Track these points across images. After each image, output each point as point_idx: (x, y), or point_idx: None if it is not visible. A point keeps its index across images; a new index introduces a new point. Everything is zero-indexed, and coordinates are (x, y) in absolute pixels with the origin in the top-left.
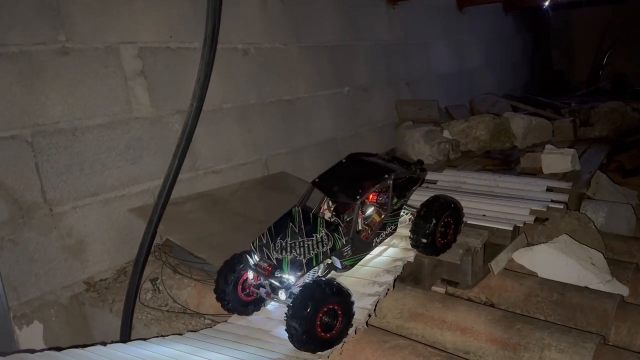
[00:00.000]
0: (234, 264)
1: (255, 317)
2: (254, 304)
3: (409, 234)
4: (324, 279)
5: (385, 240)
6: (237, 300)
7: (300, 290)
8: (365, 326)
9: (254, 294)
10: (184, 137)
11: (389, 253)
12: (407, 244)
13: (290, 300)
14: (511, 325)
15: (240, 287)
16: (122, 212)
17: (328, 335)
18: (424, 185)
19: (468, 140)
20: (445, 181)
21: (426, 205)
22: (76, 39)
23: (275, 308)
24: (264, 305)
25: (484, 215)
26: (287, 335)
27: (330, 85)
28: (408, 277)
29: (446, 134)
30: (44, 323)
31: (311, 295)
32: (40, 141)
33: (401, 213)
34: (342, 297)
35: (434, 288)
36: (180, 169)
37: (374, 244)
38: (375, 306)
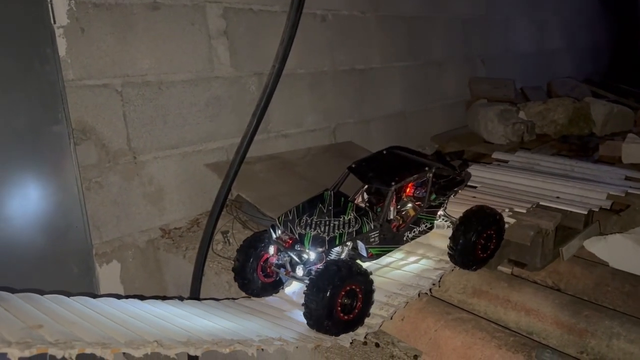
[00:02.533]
0: (255, 242)
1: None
2: (272, 286)
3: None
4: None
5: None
6: (256, 281)
7: (320, 269)
8: (429, 294)
9: (274, 274)
10: (264, 97)
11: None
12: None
13: (308, 278)
14: (579, 311)
15: (260, 267)
16: (198, 167)
17: (347, 317)
18: (495, 163)
19: (544, 123)
20: (517, 161)
21: (468, 215)
22: None
23: (294, 293)
24: (282, 288)
25: (557, 197)
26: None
27: (404, 58)
28: None
29: (522, 115)
30: (122, 263)
31: (332, 272)
32: (129, 91)
33: (439, 217)
34: (362, 277)
35: (499, 268)
36: (257, 128)
37: (405, 238)
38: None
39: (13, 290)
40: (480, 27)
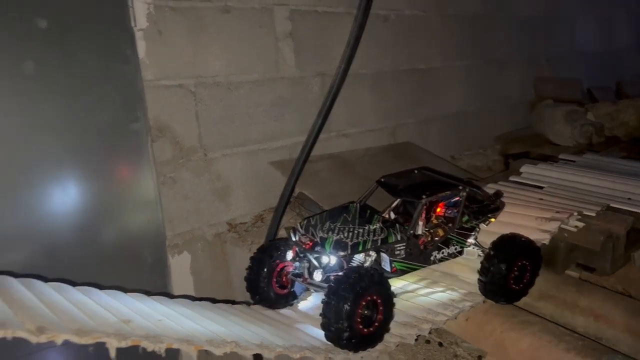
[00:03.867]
0: (271, 250)
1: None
2: (285, 299)
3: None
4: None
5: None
6: (270, 291)
7: (341, 275)
8: None
9: (289, 284)
10: (329, 97)
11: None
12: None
13: (327, 285)
14: None
15: (275, 277)
16: (263, 164)
17: (366, 330)
18: (562, 161)
19: (614, 124)
20: (584, 160)
21: (497, 244)
22: None
23: (309, 308)
24: (297, 302)
25: (629, 198)
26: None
27: (466, 57)
28: None
29: (590, 116)
30: (192, 254)
31: (353, 279)
32: (201, 91)
33: (470, 242)
34: (384, 287)
35: (567, 272)
36: (322, 128)
37: (432, 258)
38: None
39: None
40: (545, 25)
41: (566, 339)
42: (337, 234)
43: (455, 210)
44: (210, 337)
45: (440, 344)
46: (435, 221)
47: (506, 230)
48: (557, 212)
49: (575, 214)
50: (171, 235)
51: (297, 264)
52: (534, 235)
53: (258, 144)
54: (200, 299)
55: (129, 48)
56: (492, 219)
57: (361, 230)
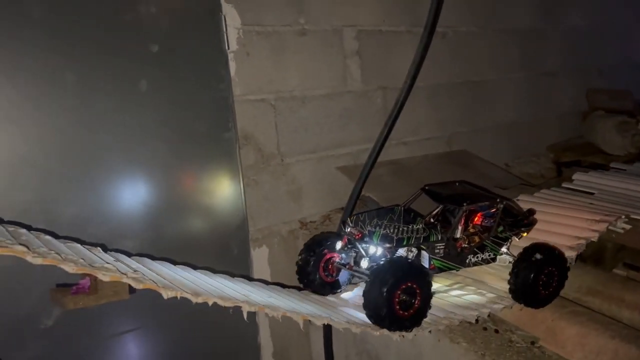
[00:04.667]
0: (320, 240)
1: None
2: (330, 287)
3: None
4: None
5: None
6: (317, 278)
7: (382, 262)
8: None
9: (335, 273)
10: (394, 110)
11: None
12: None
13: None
14: None
15: (323, 265)
16: (331, 169)
17: (404, 313)
18: (613, 170)
19: None
20: (634, 169)
21: (527, 251)
22: (312, 22)
23: (351, 297)
24: (340, 291)
25: None
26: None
27: (518, 69)
28: (589, 257)
29: None
30: (269, 248)
31: (392, 266)
32: (280, 105)
33: (503, 250)
34: (422, 276)
35: (614, 271)
36: (388, 137)
37: (467, 261)
38: None
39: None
40: (597, 37)
41: (612, 327)
42: (384, 229)
43: (492, 221)
44: (309, 311)
45: (497, 331)
46: (472, 229)
47: (558, 230)
48: (606, 215)
49: (623, 217)
50: (253, 230)
51: (343, 255)
52: (583, 234)
53: (327, 150)
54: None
55: (223, 68)
56: (525, 234)
57: (405, 229)
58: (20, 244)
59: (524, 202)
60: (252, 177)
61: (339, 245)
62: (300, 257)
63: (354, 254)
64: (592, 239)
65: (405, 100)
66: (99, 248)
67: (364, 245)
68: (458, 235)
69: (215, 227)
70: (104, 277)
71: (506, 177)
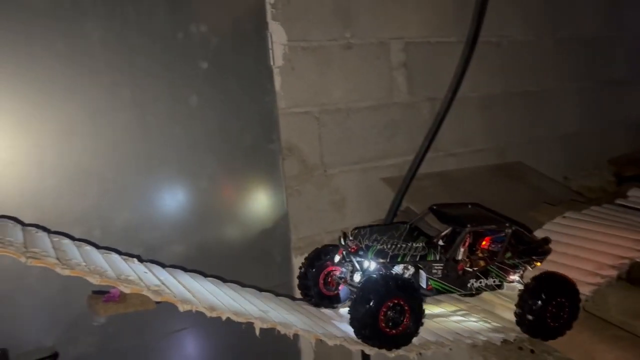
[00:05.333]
0: (321, 253)
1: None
2: (329, 300)
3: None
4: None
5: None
6: (316, 289)
7: (369, 278)
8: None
9: (334, 286)
10: (436, 122)
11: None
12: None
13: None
14: None
15: (323, 278)
16: (374, 180)
17: (392, 331)
18: None
19: None
20: None
21: (537, 279)
22: (358, 35)
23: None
24: (339, 306)
25: None
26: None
27: (581, 78)
28: (638, 280)
29: None
30: None
31: (377, 282)
32: (324, 117)
33: (513, 278)
34: (408, 291)
35: None
36: (429, 148)
37: (469, 285)
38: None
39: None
40: None
41: None
42: (382, 244)
43: (499, 246)
44: (324, 331)
45: (532, 351)
46: (480, 254)
47: (602, 248)
48: None
49: None
50: (295, 239)
51: (343, 269)
52: (628, 254)
53: (371, 162)
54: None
55: (268, 82)
56: (538, 263)
57: (404, 246)
58: (52, 257)
59: (570, 220)
60: (296, 187)
61: (337, 258)
62: (300, 270)
63: (350, 267)
64: (638, 259)
65: (446, 113)
66: (135, 259)
67: (358, 259)
68: (459, 257)
69: (258, 234)
70: (125, 289)
71: (562, 191)
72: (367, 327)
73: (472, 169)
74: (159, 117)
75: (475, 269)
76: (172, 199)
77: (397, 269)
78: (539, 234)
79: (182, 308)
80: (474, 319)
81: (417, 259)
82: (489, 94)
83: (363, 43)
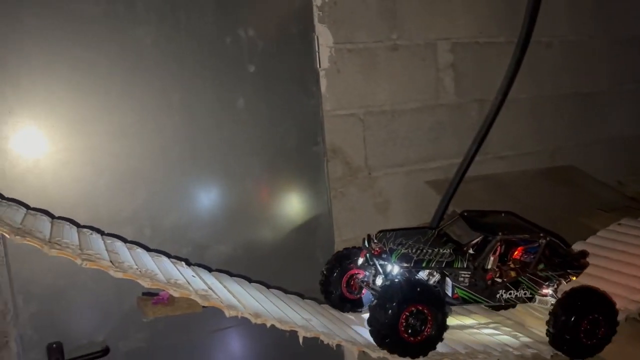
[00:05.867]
0: (345, 256)
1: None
2: (351, 304)
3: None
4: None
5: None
6: (338, 292)
7: (389, 282)
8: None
9: (356, 290)
10: (484, 125)
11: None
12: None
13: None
14: None
15: (346, 280)
16: (419, 183)
17: (412, 339)
18: None
19: None
20: None
21: (569, 294)
22: (404, 37)
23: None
24: (361, 311)
25: None
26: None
27: (636, 80)
28: None
29: None
30: None
31: (396, 287)
32: (369, 119)
33: (546, 292)
34: (431, 298)
35: None
36: (477, 152)
37: (498, 296)
38: None
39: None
40: None
41: None
42: (406, 248)
43: (532, 257)
44: (367, 342)
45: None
46: (512, 265)
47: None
48: None
49: None
50: (338, 241)
51: (367, 272)
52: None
53: (416, 164)
54: None
55: (314, 85)
56: (573, 277)
57: (430, 251)
58: (105, 259)
59: (626, 227)
60: (339, 189)
61: (360, 261)
62: (325, 268)
63: (373, 271)
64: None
65: (495, 115)
66: (182, 262)
67: (381, 262)
68: (489, 266)
69: (302, 236)
70: (174, 293)
71: (615, 197)
72: (385, 332)
73: (521, 173)
74: (206, 120)
75: (505, 279)
76: (218, 200)
77: (422, 275)
78: (592, 241)
79: (228, 313)
80: (504, 332)
81: (443, 265)
82: (538, 95)
83: (409, 44)
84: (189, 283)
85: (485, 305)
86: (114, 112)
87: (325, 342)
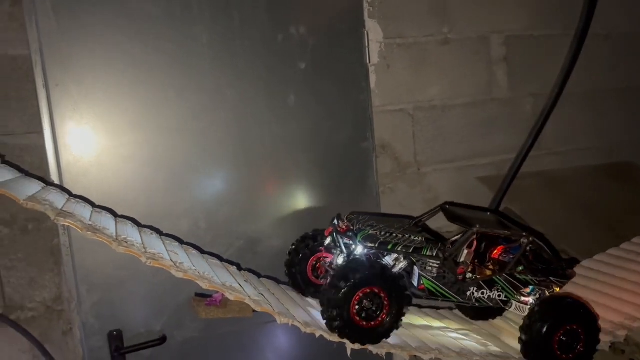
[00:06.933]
0: (315, 237)
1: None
2: (315, 289)
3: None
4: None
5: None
6: (303, 275)
7: (344, 262)
8: None
9: (322, 273)
10: (540, 119)
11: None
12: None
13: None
14: None
15: (312, 263)
16: (469, 179)
17: (365, 324)
18: None
19: None
20: None
21: (547, 299)
22: (455, 30)
23: None
24: None
25: None
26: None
27: None
28: None
29: None
30: None
31: (351, 268)
32: (418, 114)
33: (525, 299)
34: (390, 282)
35: None
36: (532, 147)
37: (468, 294)
38: None
39: None
40: None
41: None
42: (375, 230)
43: (511, 257)
44: (418, 345)
45: (623, 352)
46: (490, 264)
47: None
48: None
49: None
50: None
51: (334, 255)
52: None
53: (466, 160)
54: None
55: (364, 81)
56: (557, 288)
57: (400, 236)
58: (167, 259)
59: None
60: (388, 185)
61: (327, 241)
62: (292, 247)
63: (338, 252)
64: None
65: (551, 110)
66: (234, 267)
67: (345, 241)
68: (461, 259)
69: None
70: (230, 295)
71: None
72: (335, 312)
73: (577, 169)
74: (258, 116)
75: (478, 276)
76: (269, 195)
77: (389, 260)
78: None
79: (279, 321)
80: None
81: (411, 251)
82: (595, 89)
83: (461, 38)
84: (242, 287)
85: (456, 304)
86: (172, 108)
87: (375, 353)
